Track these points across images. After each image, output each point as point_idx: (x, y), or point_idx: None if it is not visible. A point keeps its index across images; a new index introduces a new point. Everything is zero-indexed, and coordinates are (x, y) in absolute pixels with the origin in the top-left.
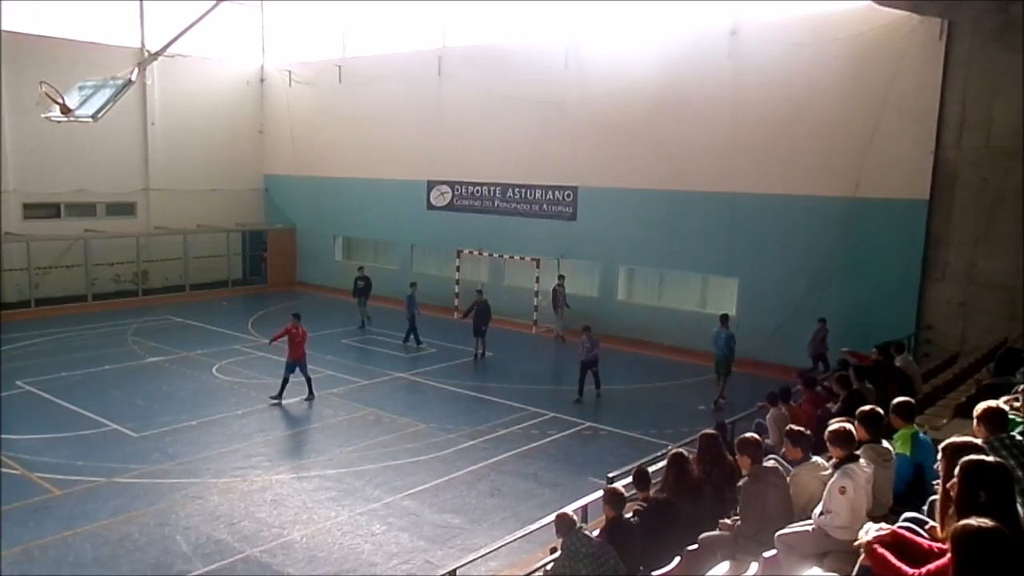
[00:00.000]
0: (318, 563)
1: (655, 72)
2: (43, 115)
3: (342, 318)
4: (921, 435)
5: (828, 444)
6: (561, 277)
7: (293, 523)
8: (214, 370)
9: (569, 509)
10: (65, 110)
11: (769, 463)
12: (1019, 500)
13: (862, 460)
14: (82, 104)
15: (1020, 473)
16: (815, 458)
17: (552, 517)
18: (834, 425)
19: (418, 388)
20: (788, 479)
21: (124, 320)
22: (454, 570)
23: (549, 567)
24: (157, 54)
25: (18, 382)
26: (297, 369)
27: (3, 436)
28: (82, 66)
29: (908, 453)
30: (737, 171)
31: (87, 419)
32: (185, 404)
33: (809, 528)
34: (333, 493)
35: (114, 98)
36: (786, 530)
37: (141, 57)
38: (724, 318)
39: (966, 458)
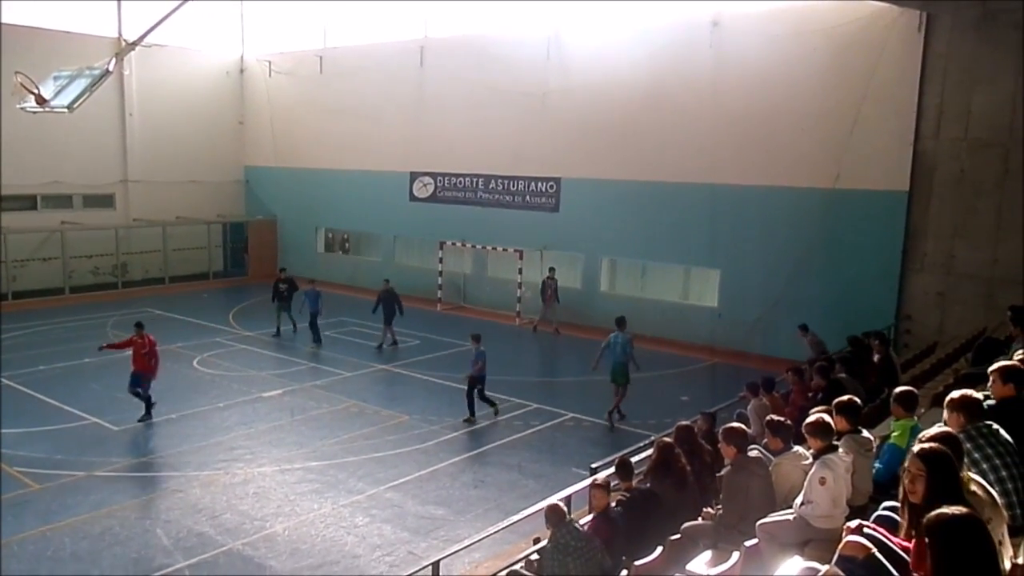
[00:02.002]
0: (301, 555)
1: (637, 63)
2: (18, 105)
3: (324, 310)
4: (921, 428)
5: (806, 435)
6: (552, 269)
7: (276, 515)
8: (195, 363)
9: (557, 500)
10: (40, 100)
11: (753, 453)
12: (996, 488)
13: (841, 450)
14: (57, 94)
15: (998, 461)
16: (796, 448)
17: (536, 508)
18: (812, 416)
19: (400, 380)
20: (770, 469)
21: (103, 313)
22: (437, 561)
23: (534, 559)
24: (135, 44)
25: None
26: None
27: None
28: (58, 56)
29: (903, 445)
30: (718, 162)
31: (66, 412)
32: (166, 397)
33: (790, 517)
34: (316, 485)
35: (90, 88)
36: (767, 519)
37: (118, 47)
38: (620, 321)
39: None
